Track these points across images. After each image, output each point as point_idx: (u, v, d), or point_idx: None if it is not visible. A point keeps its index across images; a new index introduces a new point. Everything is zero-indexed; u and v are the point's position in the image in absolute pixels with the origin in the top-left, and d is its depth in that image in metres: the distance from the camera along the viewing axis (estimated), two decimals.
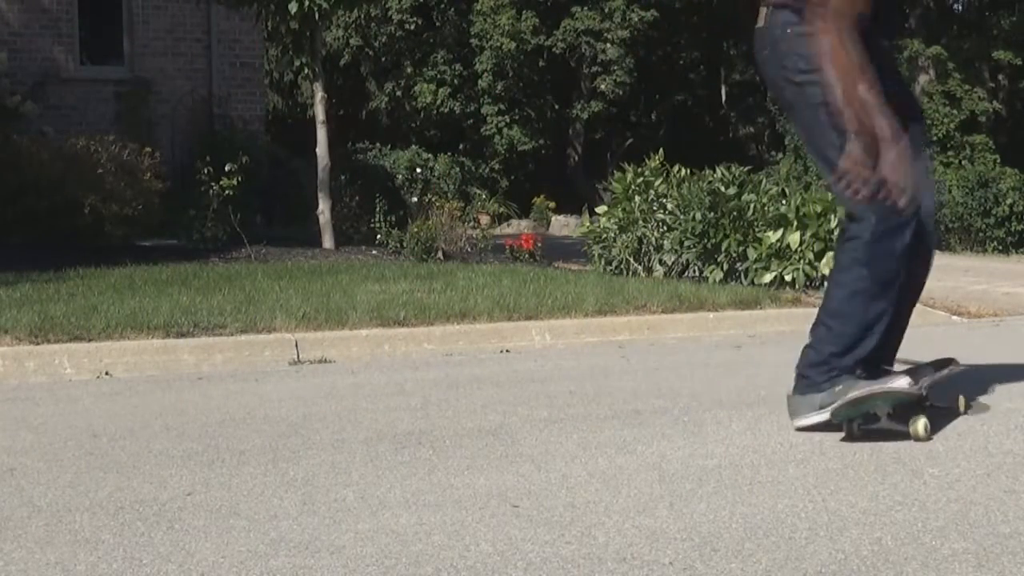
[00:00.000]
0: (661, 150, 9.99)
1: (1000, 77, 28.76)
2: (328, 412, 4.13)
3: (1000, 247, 18.94)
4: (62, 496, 2.97)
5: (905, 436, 3.43)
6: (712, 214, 8.56)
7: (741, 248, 8.42)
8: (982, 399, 4.06)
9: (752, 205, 8.59)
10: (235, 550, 2.49)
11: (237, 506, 2.85)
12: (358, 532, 2.61)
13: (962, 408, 3.81)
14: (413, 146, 23.23)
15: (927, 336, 6.40)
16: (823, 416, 3.49)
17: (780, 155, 21.19)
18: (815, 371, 3.53)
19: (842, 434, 3.54)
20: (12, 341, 5.30)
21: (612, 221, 9.43)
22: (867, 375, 3.51)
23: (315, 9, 10.29)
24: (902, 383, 3.45)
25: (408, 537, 2.57)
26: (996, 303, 8.72)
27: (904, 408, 3.45)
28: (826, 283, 3.72)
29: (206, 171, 9.94)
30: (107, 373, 5.17)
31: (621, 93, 27.48)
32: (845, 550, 2.43)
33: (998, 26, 26.83)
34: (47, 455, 3.46)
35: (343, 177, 12.14)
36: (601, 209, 9.86)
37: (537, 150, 28.08)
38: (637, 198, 9.34)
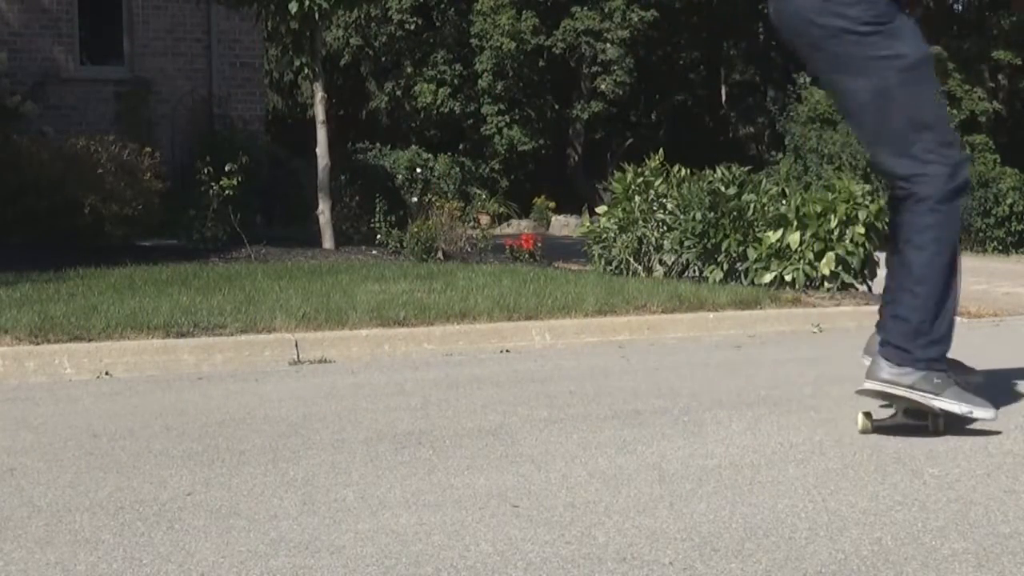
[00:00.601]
0: (661, 150, 9.98)
1: (1000, 77, 28.76)
2: (328, 412, 4.14)
3: (1000, 247, 18.94)
4: (62, 496, 2.97)
5: (922, 431, 3.45)
6: (712, 214, 8.56)
7: (741, 248, 8.42)
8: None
9: (752, 205, 8.58)
10: (235, 550, 2.50)
11: (237, 506, 2.85)
12: (358, 532, 2.61)
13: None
14: (413, 146, 23.23)
15: None
16: (905, 393, 3.46)
17: (780, 155, 21.16)
18: (912, 344, 3.47)
19: (842, 434, 3.55)
20: (12, 341, 5.30)
21: (612, 221, 9.42)
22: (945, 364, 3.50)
23: (315, 9, 10.28)
24: (987, 414, 3.45)
25: (408, 537, 2.57)
26: (996, 303, 8.72)
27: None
28: (898, 249, 3.57)
29: (206, 171, 9.94)
30: (107, 373, 5.17)
31: (621, 93, 27.49)
32: (845, 550, 2.43)
33: (998, 26, 26.83)
34: (47, 455, 3.46)
35: (343, 177, 12.14)
36: (601, 209, 9.85)
37: (537, 150, 28.09)
38: (637, 198, 9.33)
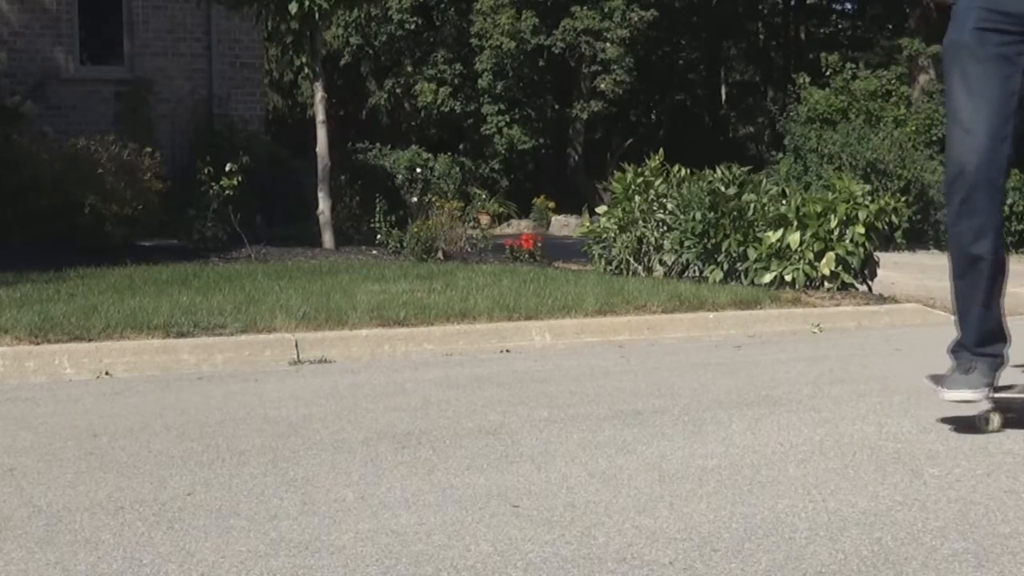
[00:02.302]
0: (661, 150, 9.97)
1: None
2: (328, 412, 4.14)
3: None
4: (62, 496, 2.97)
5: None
6: (712, 214, 8.55)
7: (741, 248, 8.42)
8: None
9: (752, 205, 8.58)
10: (235, 550, 2.50)
11: (237, 506, 2.85)
12: (358, 532, 2.61)
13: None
14: (413, 146, 23.21)
15: (928, 336, 6.39)
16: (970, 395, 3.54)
17: (780, 155, 21.12)
18: (956, 352, 3.60)
19: (842, 434, 3.55)
20: (12, 341, 5.30)
21: (612, 221, 9.42)
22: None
23: (315, 9, 10.28)
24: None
25: (408, 537, 2.57)
26: None
27: None
28: None
29: (206, 171, 9.93)
30: (107, 373, 5.17)
31: (621, 92, 27.48)
32: (845, 550, 2.43)
33: None
34: (47, 455, 3.46)
35: (343, 177, 12.13)
36: (601, 209, 9.85)
37: (537, 149, 28.08)
38: (637, 198, 9.33)
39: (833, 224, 8.13)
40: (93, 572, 2.37)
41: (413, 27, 28.15)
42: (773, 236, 8.23)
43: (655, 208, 9.21)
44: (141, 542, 2.56)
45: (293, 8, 10.21)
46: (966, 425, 3.61)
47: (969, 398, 3.48)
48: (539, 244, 10.78)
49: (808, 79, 22.01)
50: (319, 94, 10.98)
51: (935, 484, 2.95)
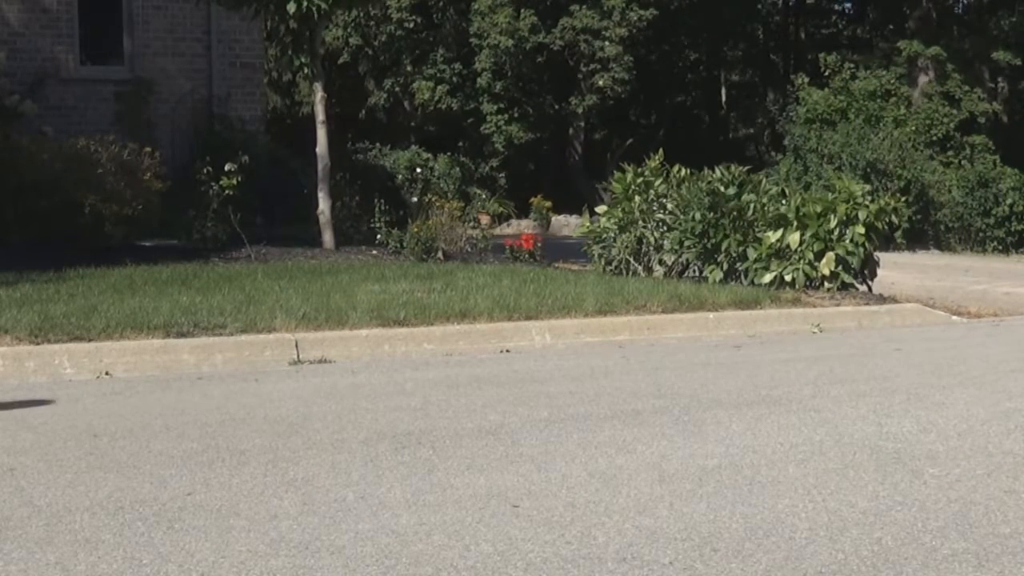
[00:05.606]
0: (661, 150, 9.97)
1: (999, 79, 28.76)
2: (328, 412, 4.14)
3: (1000, 247, 18.94)
4: (62, 496, 2.97)
5: None
6: (712, 214, 8.55)
7: (741, 248, 8.42)
8: (982, 398, 4.07)
9: (752, 205, 8.58)
10: (235, 550, 2.50)
11: (237, 506, 2.85)
12: (358, 532, 2.61)
13: None
14: (413, 146, 23.23)
15: (927, 336, 6.40)
16: None
17: (780, 155, 21.14)
18: None
19: (841, 434, 3.55)
20: (12, 341, 5.30)
21: (612, 221, 9.42)
22: None
23: (313, 9, 10.28)
24: None
25: (408, 537, 2.57)
26: (996, 303, 8.73)
27: None
28: None
29: (206, 171, 9.94)
30: (107, 373, 5.17)
31: (619, 90, 27.50)
32: (845, 550, 2.43)
33: (998, 27, 26.85)
34: (47, 455, 3.46)
35: (342, 177, 12.12)
36: (601, 209, 9.85)
37: (537, 145, 28.09)
38: (637, 198, 9.33)
39: (833, 224, 8.14)
40: (93, 572, 2.37)
41: (412, 25, 28.17)
42: (773, 236, 8.23)
43: (655, 208, 9.21)
44: (141, 542, 2.56)
45: (291, 8, 10.20)
46: (966, 425, 3.61)
47: None
48: (539, 244, 10.78)
49: (807, 79, 22.03)
50: (319, 94, 10.98)
51: (935, 484, 2.95)
